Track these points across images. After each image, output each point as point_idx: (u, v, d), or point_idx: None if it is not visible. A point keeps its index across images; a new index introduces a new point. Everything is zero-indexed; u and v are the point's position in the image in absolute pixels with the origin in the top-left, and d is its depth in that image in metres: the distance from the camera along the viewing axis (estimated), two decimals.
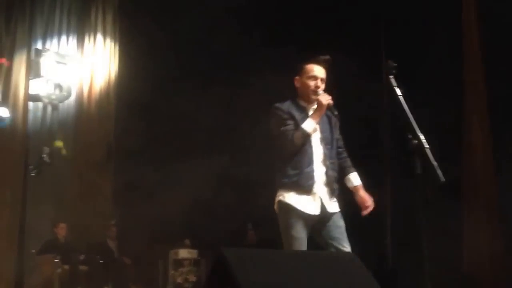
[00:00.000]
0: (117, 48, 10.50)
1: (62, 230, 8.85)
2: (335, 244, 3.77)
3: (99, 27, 10.38)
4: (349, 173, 4.01)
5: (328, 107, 3.84)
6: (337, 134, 4.04)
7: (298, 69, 3.99)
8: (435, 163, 3.15)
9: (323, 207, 3.79)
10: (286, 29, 8.87)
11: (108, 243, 9.28)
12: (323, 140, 3.90)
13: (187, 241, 9.27)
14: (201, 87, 9.15)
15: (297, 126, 3.82)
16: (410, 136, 3.25)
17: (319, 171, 3.82)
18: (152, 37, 9.65)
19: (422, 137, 3.20)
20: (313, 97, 3.89)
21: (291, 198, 3.76)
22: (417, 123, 3.24)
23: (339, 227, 3.84)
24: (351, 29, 8.20)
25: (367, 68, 7.78)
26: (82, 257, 8.62)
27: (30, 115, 9.58)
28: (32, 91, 9.62)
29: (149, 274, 9.24)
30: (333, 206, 3.86)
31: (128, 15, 10.37)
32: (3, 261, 8.63)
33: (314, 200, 3.78)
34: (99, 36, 10.36)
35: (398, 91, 3.39)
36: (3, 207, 8.90)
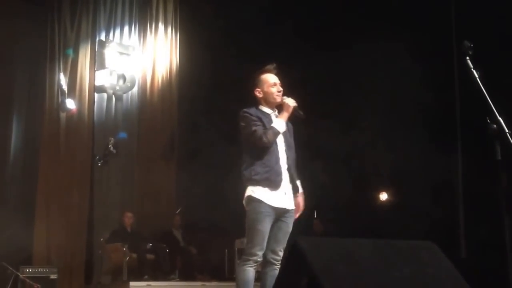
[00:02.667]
0: (178, 37, 10.62)
1: (129, 219, 9.05)
2: (275, 246, 4.23)
3: (160, 17, 10.52)
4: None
5: (295, 109, 4.31)
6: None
7: (256, 82, 4.44)
8: None
9: (286, 202, 4.24)
10: (351, 9, 8.76)
11: (174, 232, 9.44)
12: (285, 142, 4.34)
13: None
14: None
15: (265, 127, 4.24)
16: (489, 120, 3.15)
17: (284, 169, 4.26)
18: (213, 25, 9.71)
19: (502, 121, 3.10)
20: (278, 100, 4.37)
21: (261, 193, 4.16)
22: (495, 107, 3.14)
23: (287, 232, 4.27)
24: (417, 5, 7.99)
25: (436, 48, 7.59)
26: (149, 246, 8.79)
27: (96, 106, 9.84)
28: (97, 82, 9.88)
29: (214, 263, 9.34)
30: (292, 203, 4.31)
31: (189, 4, 10.46)
32: (73, 249, 8.93)
33: (281, 194, 4.22)
34: (161, 26, 10.50)
35: (475, 74, 3.30)
36: (72, 196, 9.17)
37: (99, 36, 10.03)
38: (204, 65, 9.82)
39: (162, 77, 10.37)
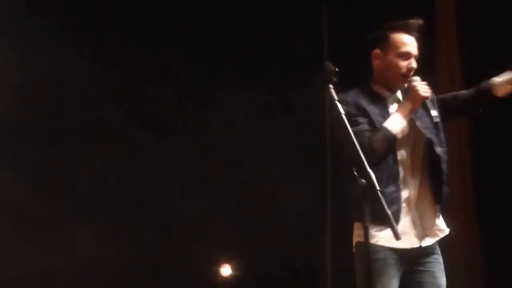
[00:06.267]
0: None
1: None
2: None
3: None
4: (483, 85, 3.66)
5: (423, 100, 3.53)
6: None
7: (377, 38, 3.62)
8: (390, 214, 2.86)
9: (414, 237, 3.53)
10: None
11: None
12: (412, 141, 3.55)
13: None
14: None
15: (372, 124, 3.50)
16: (356, 173, 2.97)
17: (410, 189, 3.53)
18: None
19: (372, 175, 2.92)
20: (401, 84, 3.57)
21: (371, 233, 3.39)
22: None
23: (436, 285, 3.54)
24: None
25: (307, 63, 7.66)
26: None
27: None
28: None
29: None
30: (430, 238, 3.56)
31: None
32: None
33: (404, 231, 3.47)
34: None
35: (340, 108, 3.12)
36: None
37: None
38: None
39: None
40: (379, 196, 2.89)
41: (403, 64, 3.54)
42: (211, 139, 8.97)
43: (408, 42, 3.56)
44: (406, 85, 3.56)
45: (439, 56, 8.02)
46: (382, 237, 3.44)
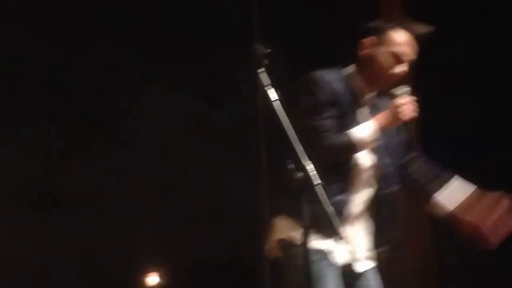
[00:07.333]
0: None
1: None
2: None
3: None
4: (445, 180, 3.31)
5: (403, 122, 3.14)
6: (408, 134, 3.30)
7: (378, 29, 3.24)
8: (330, 210, 2.60)
9: (354, 258, 3.23)
10: None
11: None
12: (383, 147, 3.21)
13: None
14: None
15: (339, 122, 3.12)
16: (291, 166, 2.70)
17: (359, 201, 3.22)
18: None
19: (309, 168, 2.65)
20: (385, 83, 3.21)
21: (318, 239, 3.08)
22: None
23: None
24: None
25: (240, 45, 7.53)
26: None
27: None
28: None
29: None
30: (366, 261, 3.27)
31: None
32: None
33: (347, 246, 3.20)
34: None
35: (272, 94, 2.85)
36: None
37: None
38: None
39: None
40: (316, 192, 2.63)
41: (395, 64, 3.19)
42: (143, 130, 8.66)
43: (409, 44, 3.21)
44: (387, 84, 3.24)
45: None
46: (326, 246, 3.16)
